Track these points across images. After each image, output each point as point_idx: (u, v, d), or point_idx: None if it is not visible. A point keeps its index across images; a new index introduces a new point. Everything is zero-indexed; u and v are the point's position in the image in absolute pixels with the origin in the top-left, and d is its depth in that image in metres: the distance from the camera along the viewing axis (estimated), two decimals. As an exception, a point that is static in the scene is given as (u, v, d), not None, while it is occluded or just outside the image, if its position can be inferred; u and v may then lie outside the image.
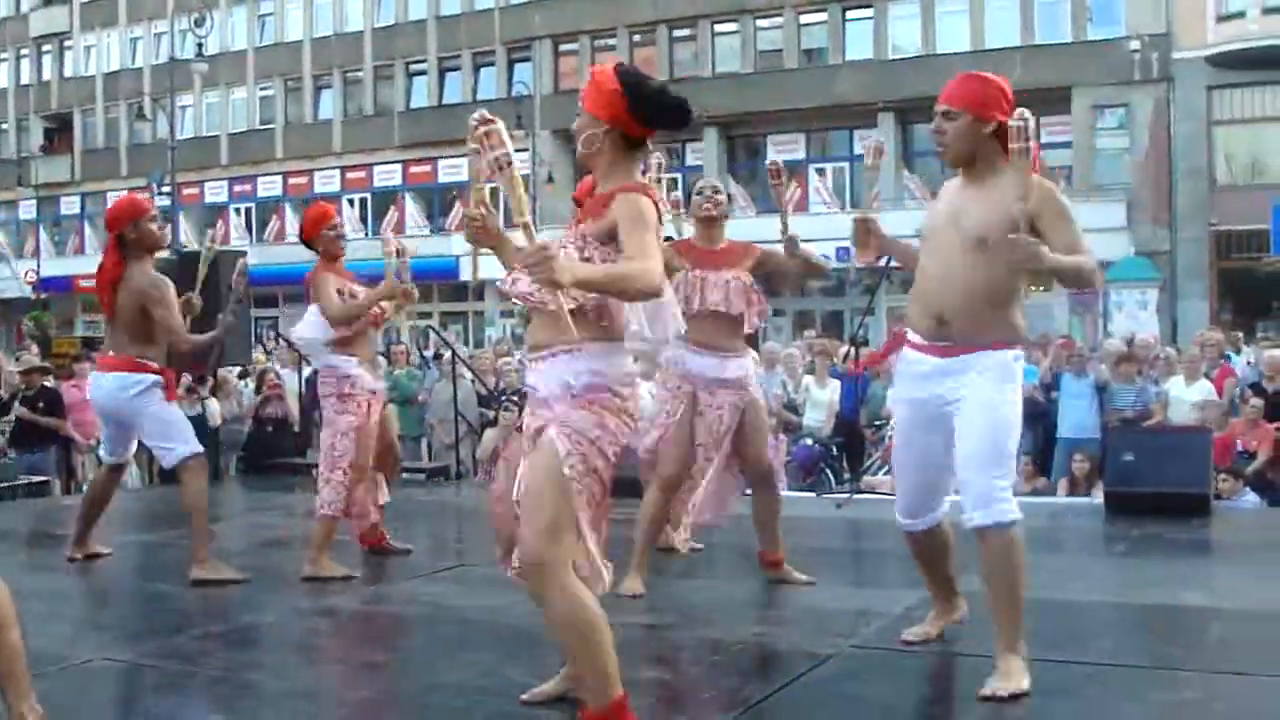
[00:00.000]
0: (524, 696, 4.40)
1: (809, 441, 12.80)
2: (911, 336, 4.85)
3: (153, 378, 7.03)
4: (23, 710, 4.07)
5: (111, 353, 7.11)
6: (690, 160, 37.19)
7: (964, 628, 5.17)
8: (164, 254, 7.49)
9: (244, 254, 11.55)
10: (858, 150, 35.74)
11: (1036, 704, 4.40)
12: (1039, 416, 11.80)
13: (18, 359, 15.66)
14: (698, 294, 6.32)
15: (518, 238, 3.78)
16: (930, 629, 5.26)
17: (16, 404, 12.80)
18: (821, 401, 13.08)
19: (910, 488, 5.02)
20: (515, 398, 12.23)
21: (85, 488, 12.35)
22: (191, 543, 7.09)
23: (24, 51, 52.52)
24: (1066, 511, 9.97)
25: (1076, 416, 12.10)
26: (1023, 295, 4.74)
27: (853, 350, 13.21)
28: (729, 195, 6.65)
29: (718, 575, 6.34)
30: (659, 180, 6.89)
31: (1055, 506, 10.34)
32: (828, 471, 12.58)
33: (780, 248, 6.40)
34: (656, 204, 3.85)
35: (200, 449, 7.16)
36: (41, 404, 12.80)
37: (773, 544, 6.60)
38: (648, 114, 3.88)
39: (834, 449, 12.96)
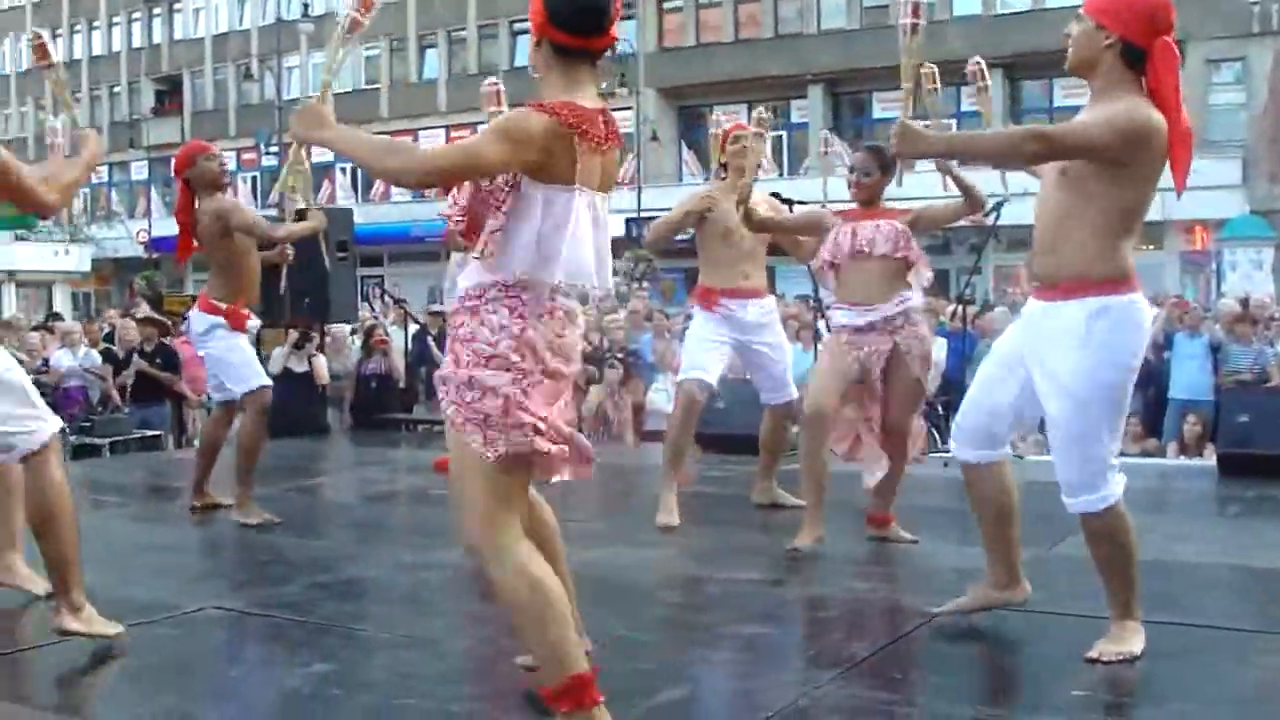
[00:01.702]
0: (518, 660, 4.21)
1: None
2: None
3: (214, 319, 7.27)
4: (71, 599, 4.55)
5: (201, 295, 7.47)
6: (795, 118, 36.97)
7: (1076, 587, 5.08)
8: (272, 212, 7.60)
9: (350, 212, 11.72)
10: (966, 106, 35.24)
11: (1145, 666, 4.33)
12: (1151, 377, 11.59)
13: (131, 316, 15.94)
14: (847, 240, 6.26)
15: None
16: (967, 601, 4.93)
17: (136, 357, 13.09)
18: (927, 360, 12.92)
19: (966, 409, 4.75)
20: (620, 355, 12.24)
21: (196, 442, 12.63)
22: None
23: (135, 15, 53.31)
24: (1178, 473, 9.81)
25: (1189, 377, 11.88)
26: (1124, 235, 4.24)
27: (959, 309, 13.05)
28: (874, 169, 6.43)
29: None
30: (761, 134, 6.81)
31: (1165, 468, 10.17)
32: (933, 430, 12.45)
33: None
34: (564, 120, 3.43)
35: (258, 386, 7.34)
36: (158, 360, 13.07)
37: (886, 505, 6.55)
38: (558, 9, 3.54)
39: (939, 408, 12.82)
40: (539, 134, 3.43)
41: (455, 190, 3.72)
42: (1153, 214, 4.57)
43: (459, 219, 3.66)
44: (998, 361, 4.66)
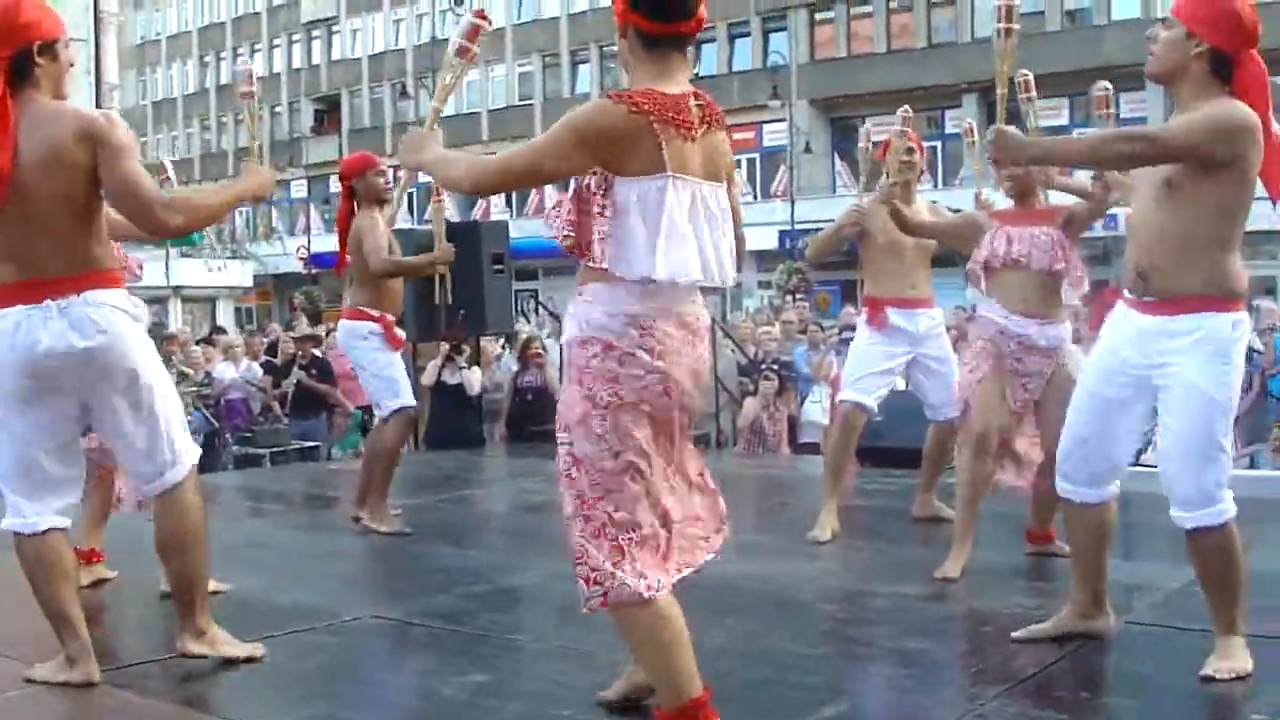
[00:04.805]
0: (600, 694, 4.10)
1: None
2: (1124, 292, 4.33)
3: (370, 325, 7.21)
4: (195, 622, 4.44)
5: (346, 304, 7.40)
6: (949, 128, 36.48)
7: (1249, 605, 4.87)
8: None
9: (505, 224, 11.79)
10: (1126, 113, 34.55)
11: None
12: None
13: (291, 329, 16.28)
14: (1002, 244, 6.01)
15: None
16: (1050, 626, 4.74)
17: (295, 369, 13.35)
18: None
19: (1075, 447, 4.49)
20: (775, 367, 12.16)
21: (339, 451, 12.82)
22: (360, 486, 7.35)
23: (295, 37, 54.70)
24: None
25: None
26: (1236, 244, 4.13)
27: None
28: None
29: (983, 544, 6.10)
30: (904, 131, 6.69)
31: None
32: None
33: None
34: (640, 107, 3.31)
35: (405, 405, 7.28)
36: (314, 372, 13.30)
37: (1046, 521, 6.34)
38: None
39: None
40: (609, 126, 3.32)
41: (561, 202, 3.54)
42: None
43: (567, 232, 3.48)
44: (1110, 385, 4.37)
